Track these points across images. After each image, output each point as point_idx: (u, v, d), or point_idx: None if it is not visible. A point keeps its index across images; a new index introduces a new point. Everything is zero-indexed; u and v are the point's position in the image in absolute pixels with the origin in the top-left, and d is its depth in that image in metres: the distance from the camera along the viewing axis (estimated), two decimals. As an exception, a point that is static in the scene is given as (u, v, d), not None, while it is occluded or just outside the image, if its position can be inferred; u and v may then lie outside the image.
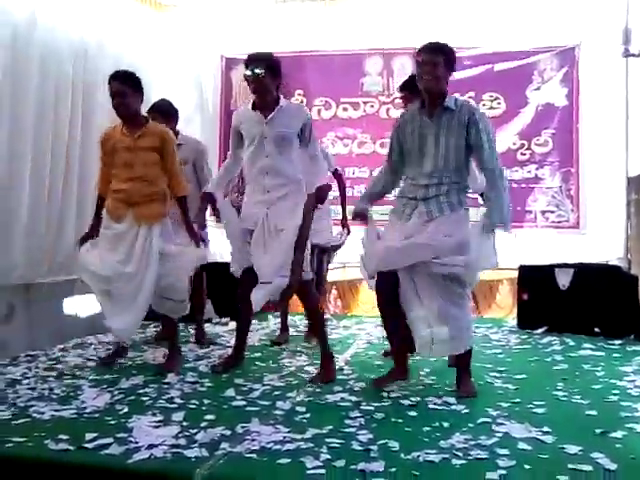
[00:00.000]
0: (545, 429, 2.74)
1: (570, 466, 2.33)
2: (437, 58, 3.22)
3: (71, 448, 2.52)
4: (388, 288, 3.32)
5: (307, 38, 6.34)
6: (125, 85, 3.83)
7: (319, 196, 3.64)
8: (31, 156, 4.48)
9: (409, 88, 4.08)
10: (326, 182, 3.75)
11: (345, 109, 6.41)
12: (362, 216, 3.52)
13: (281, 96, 3.71)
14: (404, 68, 6.18)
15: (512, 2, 5.93)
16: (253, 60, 3.62)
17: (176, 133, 4.55)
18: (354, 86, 6.31)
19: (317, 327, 3.90)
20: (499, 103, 6.16)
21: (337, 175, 4.92)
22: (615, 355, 4.32)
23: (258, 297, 3.58)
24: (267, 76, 3.59)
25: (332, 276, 5.66)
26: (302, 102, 6.37)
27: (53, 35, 4.73)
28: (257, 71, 3.56)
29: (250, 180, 3.75)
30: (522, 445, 2.57)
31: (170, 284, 3.86)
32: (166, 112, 4.53)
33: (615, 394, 3.32)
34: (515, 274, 5.49)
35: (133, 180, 3.84)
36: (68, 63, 4.87)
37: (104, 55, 5.27)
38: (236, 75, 6.54)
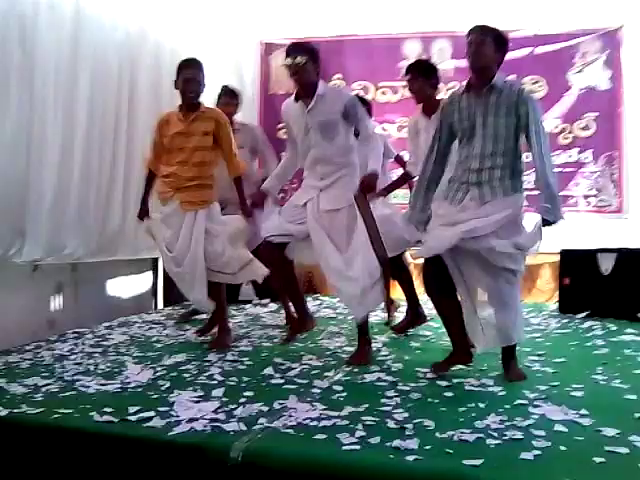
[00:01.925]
0: (582, 412, 2.71)
1: (607, 448, 2.32)
2: (484, 37, 3.21)
3: (115, 420, 2.60)
4: (438, 274, 3.25)
5: (345, 22, 6.34)
6: (199, 72, 3.93)
7: (365, 187, 3.57)
8: (81, 139, 4.61)
9: (415, 70, 4.06)
10: (377, 165, 3.67)
11: (384, 93, 6.39)
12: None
13: (320, 82, 3.70)
14: (443, 52, 6.14)
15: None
16: (294, 49, 3.63)
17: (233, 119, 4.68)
18: (393, 70, 6.28)
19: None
20: (540, 86, 6.08)
21: (400, 161, 4.90)
22: (657, 340, 4.25)
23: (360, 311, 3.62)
24: (308, 64, 3.59)
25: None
26: (340, 86, 6.38)
27: (99, 22, 4.83)
28: (298, 60, 3.57)
29: (306, 168, 3.77)
30: (558, 427, 2.55)
31: (220, 259, 3.93)
32: (236, 96, 4.83)
33: (656, 379, 3.28)
34: (557, 259, 5.43)
35: (182, 163, 3.91)
36: (112, 49, 4.97)
37: (146, 40, 5.35)
38: (275, 60, 6.57)
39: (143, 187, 4.13)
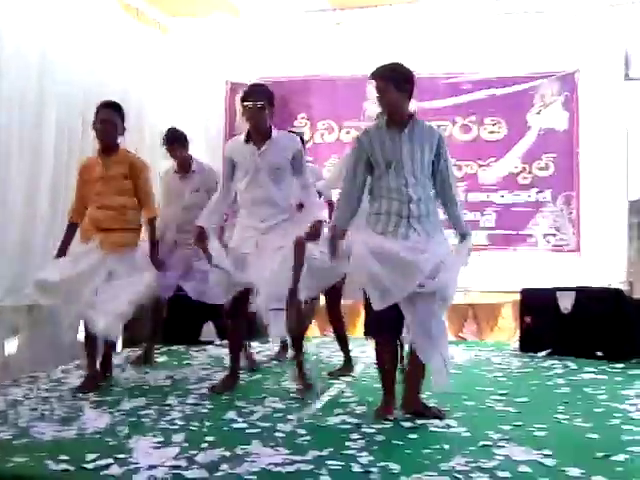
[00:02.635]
0: (546, 452, 2.72)
1: (571, 489, 2.34)
2: (385, 83, 3.26)
3: (71, 468, 2.52)
4: (387, 317, 3.21)
5: (310, 63, 6.45)
6: (117, 114, 3.98)
7: (311, 235, 3.70)
8: (46, 178, 4.63)
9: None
10: (319, 214, 3.83)
11: (348, 132, 6.47)
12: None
13: (273, 127, 3.81)
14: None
15: (512, 28, 6.02)
16: (253, 92, 3.74)
17: (190, 159, 4.70)
18: (357, 110, 6.38)
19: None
20: (500, 127, 6.23)
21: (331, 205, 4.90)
22: (617, 379, 4.31)
23: (278, 328, 3.64)
24: (265, 109, 3.71)
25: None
26: (305, 125, 6.45)
27: (68, 62, 4.84)
28: (258, 103, 3.68)
29: (244, 208, 3.85)
30: (523, 468, 2.55)
31: (107, 300, 3.86)
32: (184, 140, 4.76)
33: (617, 417, 3.31)
34: (517, 297, 5.50)
35: (104, 208, 3.97)
36: (78, 89, 4.96)
37: (111, 79, 5.35)
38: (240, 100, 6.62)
39: (63, 236, 4.09)
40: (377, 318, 3.25)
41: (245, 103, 3.73)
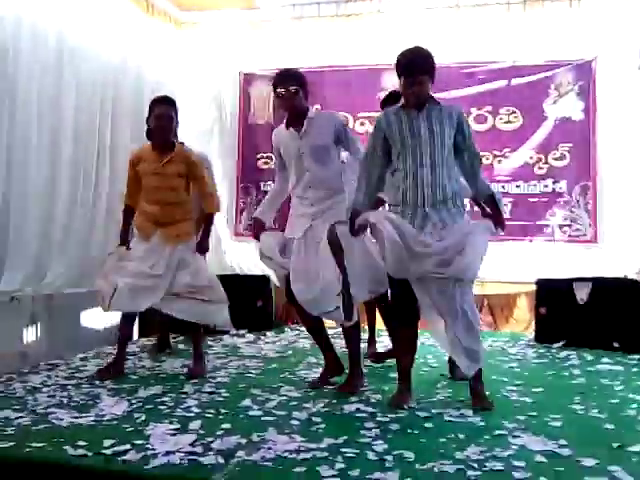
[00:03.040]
0: (562, 442, 2.72)
1: (586, 479, 2.32)
2: (426, 77, 3.22)
3: (89, 454, 2.55)
4: (405, 302, 3.27)
5: (324, 53, 6.42)
6: (172, 109, 3.96)
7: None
8: (64, 167, 4.68)
9: (392, 104, 4.04)
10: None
11: (362, 124, 6.45)
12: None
13: (310, 107, 3.74)
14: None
15: (528, 16, 5.96)
16: (284, 78, 3.65)
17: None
18: (372, 101, 6.33)
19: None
20: (516, 117, 6.18)
21: None
22: (634, 370, 4.28)
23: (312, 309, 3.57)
24: (299, 92, 3.62)
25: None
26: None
27: (82, 53, 4.88)
28: (291, 88, 3.60)
29: (296, 194, 3.74)
30: (538, 457, 2.55)
31: (200, 284, 4.00)
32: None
33: (633, 408, 3.29)
34: (532, 288, 5.48)
35: (160, 203, 3.99)
36: (95, 80, 5.01)
37: (127, 72, 5.40)
38: (254, 90, 6.64)
39: (122, 221, 4.16)
40: (395, 304, 3.29)
41: (278, 90, 3.63)
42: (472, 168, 3.34)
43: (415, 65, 3.21)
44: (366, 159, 3.39)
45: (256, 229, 3.83)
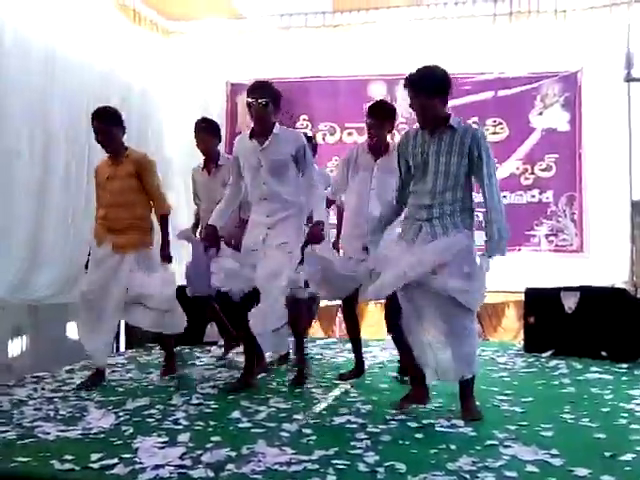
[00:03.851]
0: (553, 452, 2.71)
1: (580, 488, 2.32)
2: (412, 92, 3.26)
3: (76, 468, 2.51)
4: (397, 311, 3.28)
5: (311, 64, 6.45)
6: (106, 123, 4.01)
7: (312, 238, 3.70)
8: (53, 176, 4.70)
9: (374, 114, 4.06)
10: (322, 215, 3.80)
11: (350, 134, 6.46)
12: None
13: (277, 123, 3.79)
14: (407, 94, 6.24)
15: (514, 28, 6.01)
16: (257, 88, 3.73)
17: (218, 154, 4.64)
18: (358, 111, 6.34)
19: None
20: (502, 128, 6.22)
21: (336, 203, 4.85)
22: (623, 378, 4.29)
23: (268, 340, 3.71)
24: (269, 106, 3.70)
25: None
26: (307, 127, 6.44)
27: (72, 64, 4.89)
28: (261, 100, 3.67)
29: (253, 204, 3.85)
30: (530, 468, 2.54)
31: (141, 293, 4.00)
32: (216, 130, 4.67)
33: (623, 417, 3.30)
34: (521, 297, 5.49)
35: (112, 206, 4.04)
36: (82, 92, 4.98)
37: (114, 81, 5.38)
38: (241, 100, 6.61)
39: None
40: (385, 310, 3.44)
41: (248, 99, 3.72)
42: (484, 194, 3.26)
43: (413, 83, 3.25)
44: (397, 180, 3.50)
45: (209, 235, 3.86)
